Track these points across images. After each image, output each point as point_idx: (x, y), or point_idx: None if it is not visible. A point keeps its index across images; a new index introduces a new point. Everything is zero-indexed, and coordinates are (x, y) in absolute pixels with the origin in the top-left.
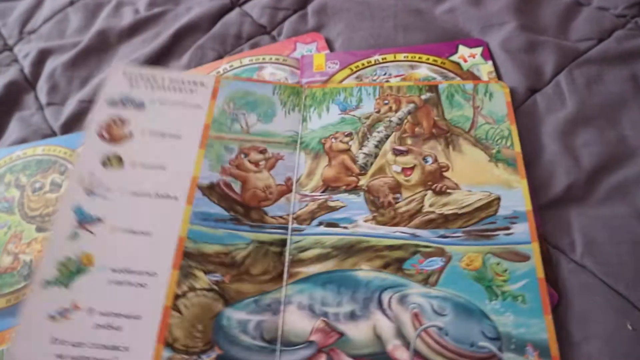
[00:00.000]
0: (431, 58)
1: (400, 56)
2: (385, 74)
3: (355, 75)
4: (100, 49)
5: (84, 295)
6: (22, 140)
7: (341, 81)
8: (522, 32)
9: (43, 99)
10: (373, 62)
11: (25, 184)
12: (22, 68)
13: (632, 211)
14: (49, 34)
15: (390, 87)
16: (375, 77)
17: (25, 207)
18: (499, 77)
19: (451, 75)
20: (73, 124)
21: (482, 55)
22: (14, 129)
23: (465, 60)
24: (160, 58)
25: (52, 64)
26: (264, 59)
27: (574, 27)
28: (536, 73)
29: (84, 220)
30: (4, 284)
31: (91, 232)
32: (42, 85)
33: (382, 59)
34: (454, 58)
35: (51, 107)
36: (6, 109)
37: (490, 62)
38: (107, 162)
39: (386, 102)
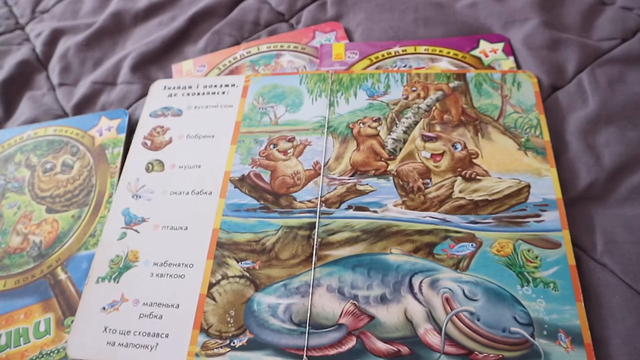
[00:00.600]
0: (452, 52)
1: (421, 49)
2: (405, 66)
3: (374, 66)
4: (114, 30)
5: (130, 288)
6: (33, 120)
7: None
8: (545, 29)
9: (55, 79)
10: (393, 54)
11: (35, 164)
12: (34, 47)
13: None
14: (62, 14)
15: (418, 75)
16: (395, 69)
17: (36, 187)
18: None
19: (472, 69)
20: (85, 105)
21: (504, 50)
22: (24, 108)
23: (487, 56)
24: (176, 42)
25: (64, 44)
26: (282, 46)
27: (597, 25)
28: (558, 70)
29: (131, 221)
30: (13, 264)
31: (136, 231)
32: (54, 66)
33: (402, 50)
34: (475, 53)
35: (63, 88)
36: (17, 88)
37: (511, 58)
38: (150, 167)
39: (414, 89)
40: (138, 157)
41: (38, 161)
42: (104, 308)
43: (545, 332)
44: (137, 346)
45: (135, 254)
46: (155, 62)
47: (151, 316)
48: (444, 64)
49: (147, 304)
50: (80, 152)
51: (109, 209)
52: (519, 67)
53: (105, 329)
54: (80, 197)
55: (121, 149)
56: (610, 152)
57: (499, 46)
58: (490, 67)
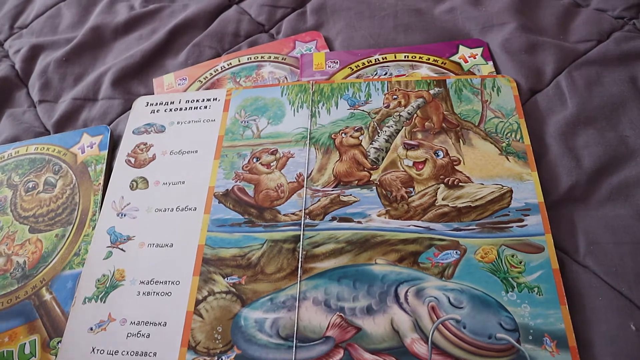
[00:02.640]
0: (432, 58)
1: (401, 56)
2: (385, 74)
3: (355, 74)
4: (94, 45)
5: (117, 308)
6: (14, 138)
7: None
8: (522, 33)
9: (35, 96)
10: (373, 62)
11: (17, 183)
12: (13, 64)
13: (633, 212)
14: (41, 29)
15: (399, 82)
16: (376, 77)
17: (18, 207)
18: None
19: (452, 75)
20: (67, 122)
21: (483, 55)
22: (5, 126)
23: (466, 61)
24: (156, 55)
25: (44, 60)
26: (262, 57)
27: (573, 28)
28: (537, 74)
29: (116, 239)
30: None
31: (122, 250)
32: (34, 82)
33: (383, 58)
34: (455, 58)
35: (44, 105)
36: None
37: (490, 63)
38: (134, 184)
39: (395, 97)
40: (122, 174)
41: (20, 180)
42: (91, 329)
43: (530, 337)
44: None
45: (121, 273)
46: (136, 76)
47: (139, 335)
48: (424, 71)
49: (134, 322)
50: (62, 170)
51: (93, 226)
52: (498, 71)
53: (93, 350)
54: (64, 216)
55: (104, 166)
56: (590, 154)
57: (478, 51)
58: (470, 72)
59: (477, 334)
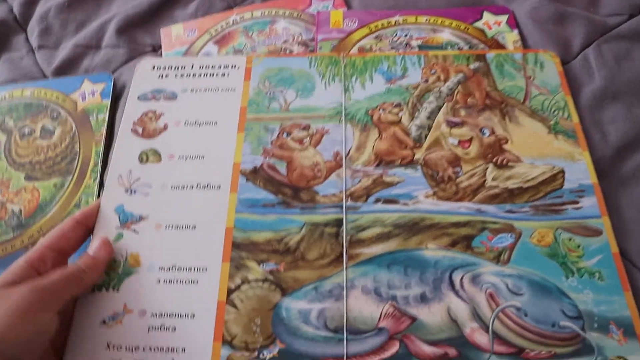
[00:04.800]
0: (454, 23)
1: (422, 19)
2: (406, 36)
3: (374, 35)
4: None
5: (134, 297)
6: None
7: (359, 40)
8: (551, 3)
9: (34, 41)
10: (393, 23)
11: (12, 128)
12: (11, 8)
13: None
14: None
15: (436, 56)
16: (396, 38)
17: (13, 152)
18: (525, 46)
19: (475, 41)
20: (67, 69)
21: (508, 23)
22: (1, 71)
23: (490, 28)
24: (164, 5)
25: (44, 4)
26: (276, 12)
27: (603, 1)
28: (564, 45)
29: (127, 219)
30: None
31: (135, 232)
32: (33, 27)
33: (403, 20)
34: (479, 24)
35: (43, 50)
36: None
37: (516, 31)
38: (144, 157)
39: (433, 71)
40: (128, 146)
41: (15, 125)
42: (104, 321)
43: (595, 325)
44: None
45: (136, 258)
46: (142, 25)
47: (162, 329)
48: (447, 35)
49: (156, 315)
50: (61, 117)
51: (94, 178)
52: (523, 40)
53: (109, 346)
54: (63, 165)
55: (106, 116)
56: (616, 129)
57: (503, 18)
58: (493, 39)
59: (539, 322)
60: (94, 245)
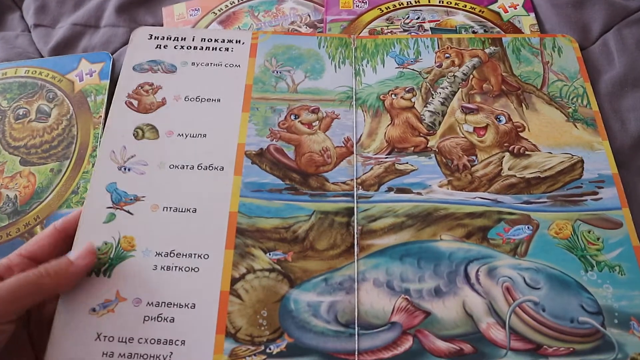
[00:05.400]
0: (469, 5)
1: (435, 0)
2: (418, 18)
3: (385, 16)
4: None
5: (127, 284)
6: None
7: (370, 22)
8: None
9: (30, 19)
10: (405, 4)
11: (6, 109)
12: None
13: None
14: None
15: (450, 40)
16: (407, 20)
17: (7, 135)
18: (542, 31)
19: (490, 25)
20: (64, 48)
21: (524, 6)
22: None
23: (506, 11)
24: None
25: None
26: None
27: None
28: (583, 30)
29: (120, 199)
30: None
31: (129, 213)
32: (28, 5)
33: (416, 1)
34: (494, 7)
35: (39, 29)
36: None
37: (532, 15)
38: (139, 133)
39: (447, 55)
40: (122, 119)
41: (8, 105)
42: (94, 309)
43: (616, 321)
44: (145, 357)
45: (130, 241)
46: (143, 4)
47: (160, 319)
48: (460, 18)
49: (152, 304)
50: (58, 98)
51: (93, 163)
52: (540, 24)
53: (99, 336)
54: (60, 149)
55: (105, 97)
56: (636, 117)
57: (520, 1)
58: (509, 22)
59: (558, 318)
60: (76, 251)
